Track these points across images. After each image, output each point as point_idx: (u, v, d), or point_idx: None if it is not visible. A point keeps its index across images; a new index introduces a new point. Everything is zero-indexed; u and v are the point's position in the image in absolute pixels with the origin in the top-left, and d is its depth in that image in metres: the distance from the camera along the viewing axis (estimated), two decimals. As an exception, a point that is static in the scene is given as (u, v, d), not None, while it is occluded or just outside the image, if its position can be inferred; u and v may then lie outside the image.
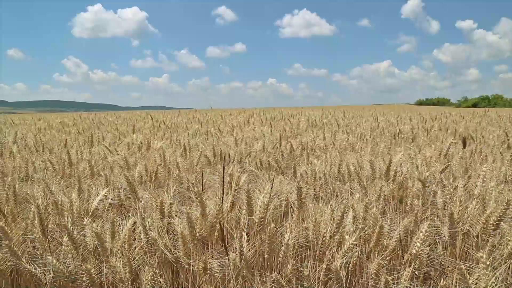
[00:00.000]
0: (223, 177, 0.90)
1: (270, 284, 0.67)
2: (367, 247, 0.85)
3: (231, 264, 0.71)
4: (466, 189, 0.93)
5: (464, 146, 1.37)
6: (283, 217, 1.00)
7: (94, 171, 1.34)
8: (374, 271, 0.73)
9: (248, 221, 0.81)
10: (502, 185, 0.96)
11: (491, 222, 0.77)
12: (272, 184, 0.85)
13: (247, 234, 0.77)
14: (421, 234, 0.70)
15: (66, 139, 2.16)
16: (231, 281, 0.72)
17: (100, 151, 1.74)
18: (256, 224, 0.80)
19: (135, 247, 0.79)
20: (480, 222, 0.79)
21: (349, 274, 0.82)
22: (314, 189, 1.14)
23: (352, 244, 0.74)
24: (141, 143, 1.94)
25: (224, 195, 0.87)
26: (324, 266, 0.76)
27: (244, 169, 1.28)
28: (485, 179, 0.95)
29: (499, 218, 0.77)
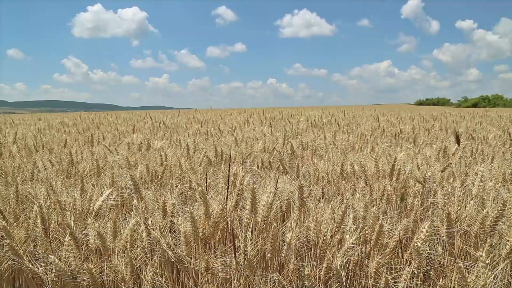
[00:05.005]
0: (228, 177, 0.90)
1: (272, 285, 0.67)
2: (367, 246, 0.86)
3: (234, 263, 0.72)
4: (464, 189, 0.94)
5: (458, 143, 1.37)
6: (285, 216, 1.01)
7: (97, 171, 1.34)
8: (374, 270, 0.73)
9: (250, 221, 0.82)
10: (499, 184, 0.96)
11: (488, 222, 0.78)
12: (277, 184, 0.85)
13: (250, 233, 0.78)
14: (421, 234, 0.70)
15: (66, 139, 2.16)
16: (234, 281, 0.72)
17: (100, 151, 1.74)
18: (259, 223, 0.81)
19: (137, 247, 0.80)
20: (478, 222, 0.79)
21: (350, 273, 0.82)
22: (322, 189, 1.15)
23: (352, 243, 0.75)
24: (141, 143, 1.94)
25: (228, 194, 0.87)
26: (324, 265, 0.76)
27: (247, 169, 1.29)
28: (482, 178, 0.95)
29: (496, 219, 0.77)
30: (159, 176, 1.29)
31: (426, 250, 0.75)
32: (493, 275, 0.58)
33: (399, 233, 0.79)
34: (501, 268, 0.60)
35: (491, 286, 0.58)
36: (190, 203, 1.07)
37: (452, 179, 1.19)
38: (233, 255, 0.71)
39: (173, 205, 0.88)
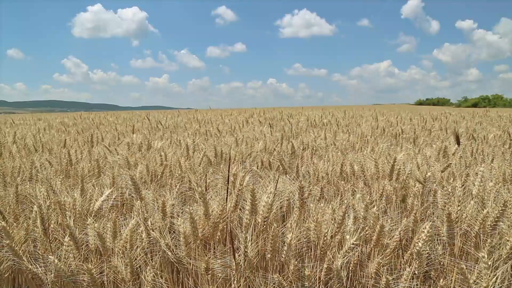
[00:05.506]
0: (228, 177, 0.90)
1: (273, 286, 0.67)
2: (368, 246, 0.85)
3: (234, 264, 0.71)
4: (464, 189, 0.94)
5: (458, 144, 1.37)
6: (286, 217, 1.00)
7: (97, 171, 1.34)
8: (374, 270, 0.73)
9: (250, 221, 0.81)
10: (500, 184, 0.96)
11: (489, 222, 0.78)
12: (276, 184, 0.85)
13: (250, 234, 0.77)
14: (423, 235, 0.70)
15: (66, 139, 2.16)
16: (234, 281, 0.72)
17: (100, 151, 1.74)
18: (260, 224, 0.80)
19: (137, 247, 0.79)
20: (478, 222, 0.79)
21: (350, 273, 0.82)
22: (322, 189, 1.15)
23: (353, 244, 0.74)
24: (141, 143, 1.94)
25: (228, 195, 0.87)
26: (325, 266, 0.76)
27: (247, 169, 1.28)
28: (482, 178, 0.95)
29: (496, 219, 0.77)
30: (159, 176, 1.29)
31: (427, 250, 0.75)
32: (495, 277, 0.57)
33: (400, 234, 0.79)
34: (503, 270, 0.59)
35: (493, 287, 0.58)
36: (190, 203, 1.07)
37: (452, 179, 1.19)
38: (232, 256, 0.71)
39: (173, 206, 0.88)
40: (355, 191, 1.13)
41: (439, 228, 0.82)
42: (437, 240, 0.82)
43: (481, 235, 0.79)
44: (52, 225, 0.84)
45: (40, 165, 1.36)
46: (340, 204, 0.83)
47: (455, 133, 1.33)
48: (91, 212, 0.96)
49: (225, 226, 0.87)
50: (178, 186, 1.06)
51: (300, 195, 0.87)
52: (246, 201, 0.82)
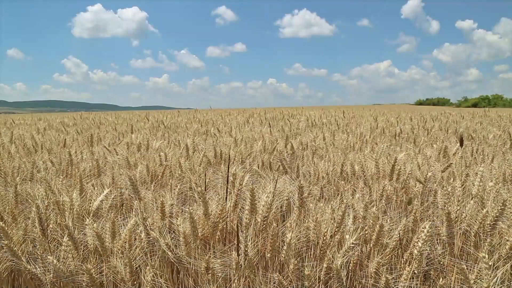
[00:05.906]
0: (228, 177, 0.90)
1: (272, 285, 0.67)
2: (367, 246, 0.85)
3: (234, 263, 0.71)
4: (464, 189, 0.93)
5: (461, 145, 1.37)
6: (286, 216, 1.00)
7: (97, 171, 1.34)
8: (374, 270, 0.73)
9: (250, 221, 0.81)
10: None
11: (488, 222, 0.78)
12: (276, 184, 0.85)
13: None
14: (422, 234, 0.70)
15: (65, 139, 2.16)
16: (235, 281, 0.72)
17: (100, 151, 1.74)
18: (259, 223, 0.80)
19: (136, 247, 0.79)
20: (477, 222, 0.79)
21: (350, 273, 0.82)
22: (321, 189, 1.15)
23: (352, 243, 0.74)
24: (140, 143, 1.94)
25: (227, 194, 0.87)
26: (324, 265, 0.76)
27: (247, 169, 1.28)
28: (482, 178, 0.95)
29: (495, 218, 0.77)
30: (159, 176, 1.29)
31: (426, 250, 0.75)
32: (495, 278, 0.57)
33: (399, 233, 0.79)
34: (503, 270, 0.59)
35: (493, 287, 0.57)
36: (190, 203, 1.07)
37: (452, 179, 1.19)
38: (236, 252, 0.71)
39: (172, 206, 0.88)
40: (355, 191, 1.13)
41: (439, 228, 0.82)
42: (437, 240, 0.82)
43: (481, 235, 0.79)
44: (50, 225, 0.84)
45: (43, 163, 1.36)
46: (339, 204, 0.83)
47: (459, 135, 1.33)
48: (89, 212, 0.95)
49: (224, 226, 0.86)
50: (178, 186, 1.06)
51: (300, 195, 0.87)
52: (245, 200, 0.82)
